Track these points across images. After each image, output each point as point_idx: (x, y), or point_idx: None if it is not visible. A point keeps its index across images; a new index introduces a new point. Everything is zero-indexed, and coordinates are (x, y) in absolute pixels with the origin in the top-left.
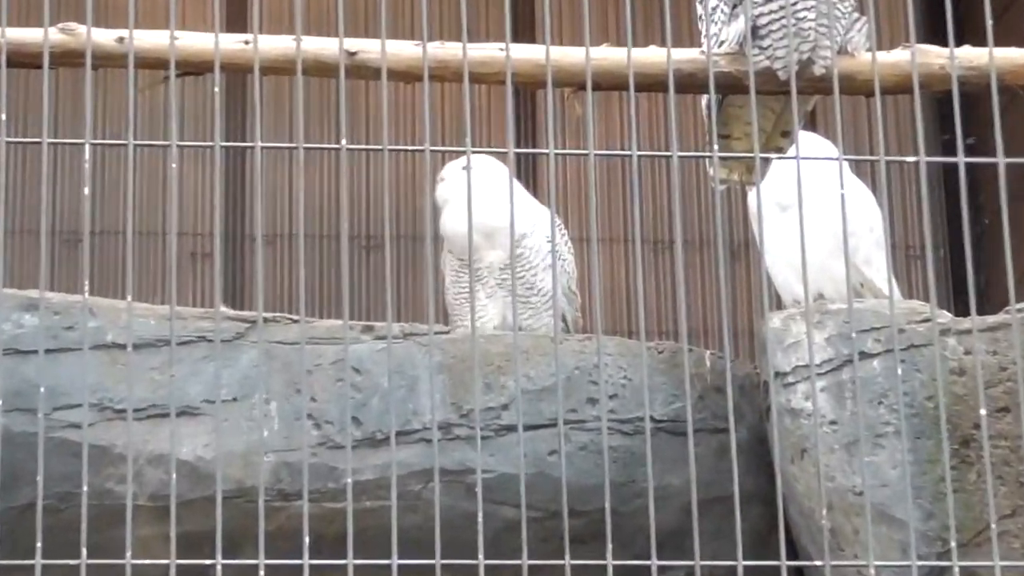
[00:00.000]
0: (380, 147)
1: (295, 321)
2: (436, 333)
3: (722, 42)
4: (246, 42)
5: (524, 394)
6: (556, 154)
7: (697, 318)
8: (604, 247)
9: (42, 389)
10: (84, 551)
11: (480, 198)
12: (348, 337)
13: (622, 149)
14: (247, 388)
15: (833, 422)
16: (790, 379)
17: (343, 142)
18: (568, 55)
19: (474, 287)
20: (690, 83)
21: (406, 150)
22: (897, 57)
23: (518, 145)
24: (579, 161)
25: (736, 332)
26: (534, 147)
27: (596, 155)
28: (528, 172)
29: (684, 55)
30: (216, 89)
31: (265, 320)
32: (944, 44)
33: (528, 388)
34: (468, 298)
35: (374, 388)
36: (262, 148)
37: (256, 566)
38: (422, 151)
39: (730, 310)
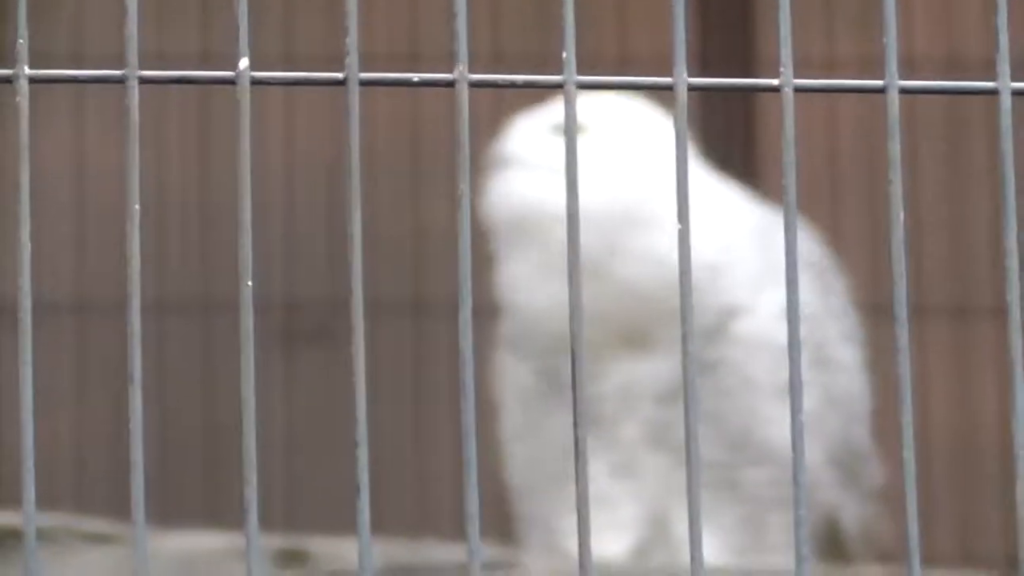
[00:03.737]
0: (337, 76)
1: (103, 538)
2: (488, 567)
3: None
4: None
5: None
6: (798, 89)
7: None
8: (933, 326)
9: None
10: None
11: (622, 194)
12: None
13: (981, 66)
14: None
15: None
16: None
17: (242, 63)
18: None
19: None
20: None
21: (403, 83)
22: None
23: (709, 58)
24: (866, 102)
25: None
26: (747, 65)
27: (903, 90)
28: (735, 126)
29: None
30: None
31: (43, 533)
32: None
33: None
34: (567, 465)
35: None
36: (29, 80)
37: None
38: (449, 84)
39: None
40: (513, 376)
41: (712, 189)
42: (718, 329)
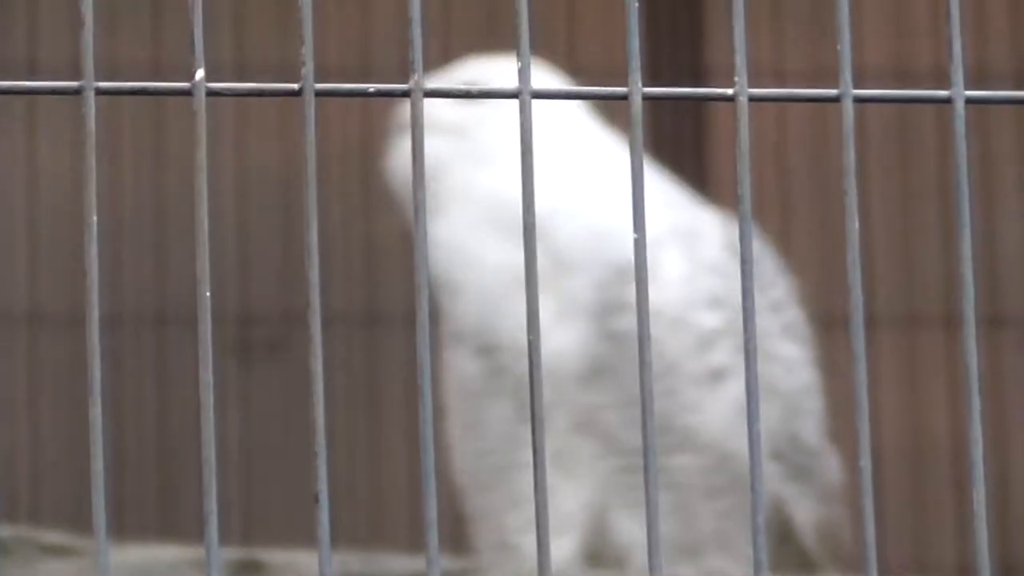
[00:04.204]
0: (292, 86)
1: (61, 550)
2: None
3: None
4: None
5: None
6: (752, 98)
7: None
8: (888, 335)
9: None
10: None
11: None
12: None
13: (932, 75)
14: None
15: None
16: None
17: (198, 74)
18: None
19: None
20: None
21: (359, 93)
22: None
23: (660, 68)
24: (817, 111)
25: None
26: (697, 75)
27: (857, 99)
28: (684, 134)
29: None
30: None
31: (1, 545)
32: None
33: None
34: (512, 456)
35: None
36: None
37: None
38: (405, 95)
39: None
40: (456, 369)
41: (604, 151)
42: (616, 294)
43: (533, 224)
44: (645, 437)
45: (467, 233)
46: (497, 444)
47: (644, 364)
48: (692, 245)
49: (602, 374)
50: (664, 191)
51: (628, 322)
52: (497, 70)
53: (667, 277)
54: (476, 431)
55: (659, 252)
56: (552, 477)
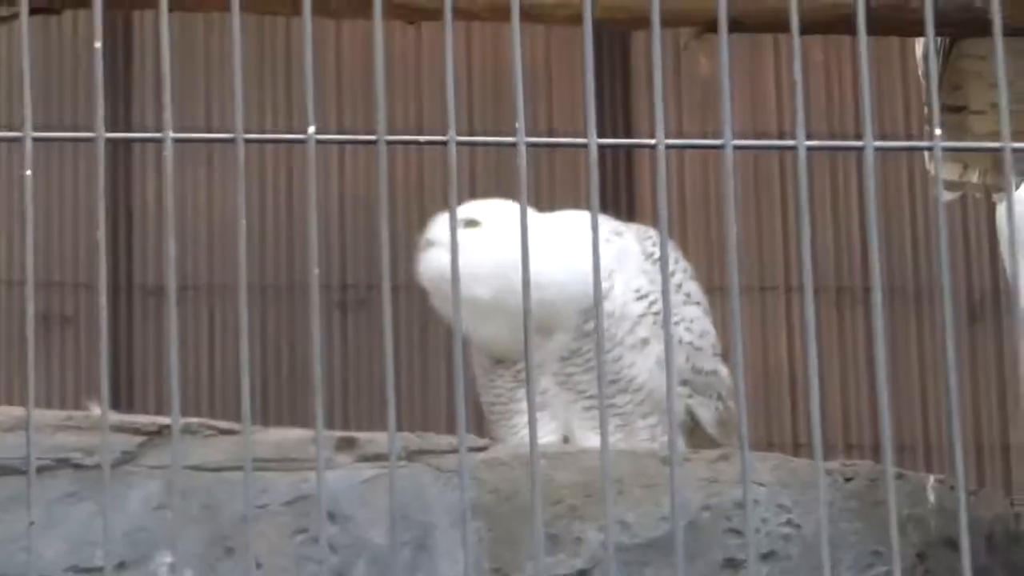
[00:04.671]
0: (371, 138)
1: (227, 431)
2: (470, 450)
3: None
4: None
5: (619, 552)
6: (668, 147)
7: (911, 420)
8: (748, 300)
9: None
10: None
11: (505, 267)
12: (320, 457)
13: (778, 135)
14: (142, 547)
15: None
16: None
17: (310, 130)
18: None
19: (531, 388)
20: (894, 19)
21: (414, 142)
22: None
23: (605, 130)
24: (705, 158)
25: (978, 444)
26: (628, 134)
27: (735, 147)
28: (620, 176)
29: None
30: (97, 44)
31: (188, 428)
32: None
33: (625, 543)
34: (510, 406)
35: (359, 546)
36: (173, 141)
37: None
38: (442, 143)
39: (966, 406)
40: (478, 361)
41: (582, 231)
42: (589, 310)
43: (527, 247)
44: (600, 389)
45: (476, 316)
46: (500, 399)
47: (601, 348)
48: (624, 261)
49: (577, 355)
50: (604, 225)
51: (593, 324)
52: (488, 208)
53: (614, 293)
54: (489, 389)
55: (610, 276)
56: (539, 414)
